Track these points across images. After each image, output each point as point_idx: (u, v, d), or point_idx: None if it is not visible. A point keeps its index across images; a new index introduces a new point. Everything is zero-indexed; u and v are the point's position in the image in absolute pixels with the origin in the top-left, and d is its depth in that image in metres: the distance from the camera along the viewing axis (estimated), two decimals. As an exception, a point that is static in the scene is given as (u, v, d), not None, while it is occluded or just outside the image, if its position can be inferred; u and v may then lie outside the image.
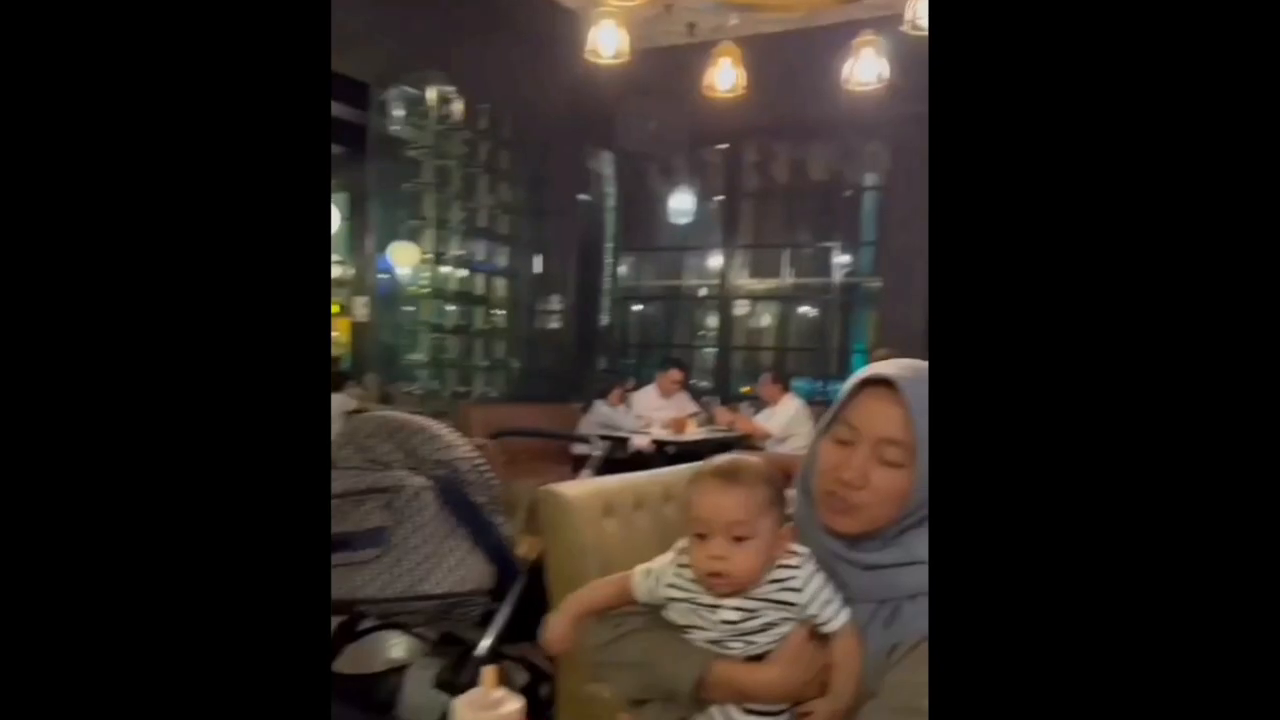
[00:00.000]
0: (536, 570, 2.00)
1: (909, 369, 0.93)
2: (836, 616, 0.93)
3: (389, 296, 5.50)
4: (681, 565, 0.99)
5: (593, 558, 1.78)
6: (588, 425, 4.89)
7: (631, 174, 6.56)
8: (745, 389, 5.97)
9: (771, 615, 0.95)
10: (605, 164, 6.43)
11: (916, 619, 0.90)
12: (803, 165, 6.25)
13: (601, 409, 4.98)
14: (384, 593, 1.78)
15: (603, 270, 6.50)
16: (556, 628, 0.99)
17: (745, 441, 4.91)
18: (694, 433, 4.88)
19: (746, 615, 0.94)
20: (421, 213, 5.34)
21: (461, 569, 1.86)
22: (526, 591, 2.01)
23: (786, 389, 5.06)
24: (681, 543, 1.00)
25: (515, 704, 0.68)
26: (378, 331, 6.89)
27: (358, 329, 6.59)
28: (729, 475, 0.93)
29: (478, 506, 1.90)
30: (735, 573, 0.92)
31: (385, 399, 6.04)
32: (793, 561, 0.95)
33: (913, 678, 0.81)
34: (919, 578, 0.88)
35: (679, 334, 7.01)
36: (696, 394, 5.69)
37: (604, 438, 4.83)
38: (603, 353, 6.51)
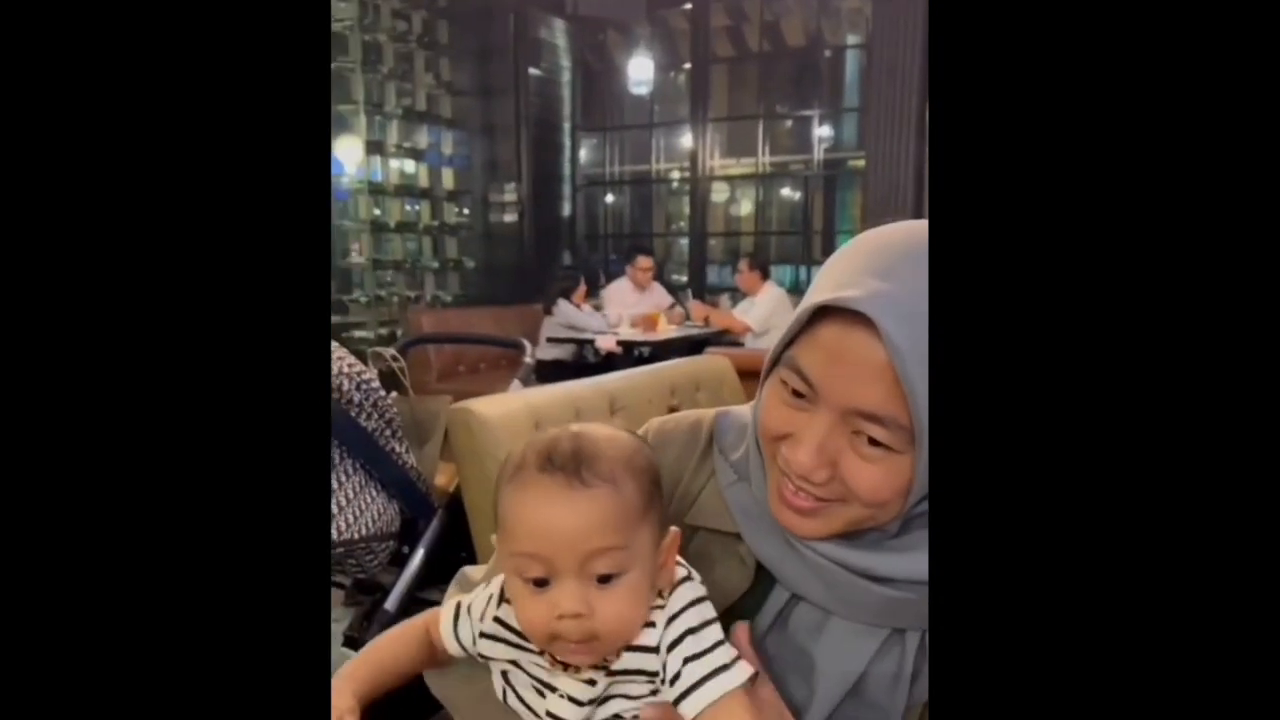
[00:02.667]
0: (458, 504, 1.64)
1: (904, 285, 0.52)
2: (700, 687, 0.55)
3: (348, 200, 4.95)
4: (507, 600, 0.60)
5: (520, 489, 1.40)
6: (552, 328, 4.49)
7: (587, 43, 5.89)
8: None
9: (628, 695, 0.58)
10: (557, 33, 5.73)
11: None
12: (776, 26, 5.64)
13: (566, 309, 4.54)
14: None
15: (561, 154, 5.88)
16: None
17: (723, 337, 4.53)
18: (666, 330, 4.47)
19: (592, 701, 0.57)
20: (351, 96, 4.72)
21: (350, 510, 1.47)
22: (447, 529, 1.64)
23: (766, 277, 4.62)
24: (501, 577, 0.62)
25: None
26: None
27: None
28: (573, 467, 0.54)
29: (368, 433, 1.49)
30: (604, 632, 0.54)
31: (337, 308, 5.60)
32: (660, 599, 0.57)
33: None
34: None
35: (650, 223, 6.50)
36: (670, 288, 5.26)
37: (570, 341, 4.52)
38: (566, 247, 5.99)
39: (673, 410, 1.78)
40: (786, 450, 0.57)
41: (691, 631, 0.56)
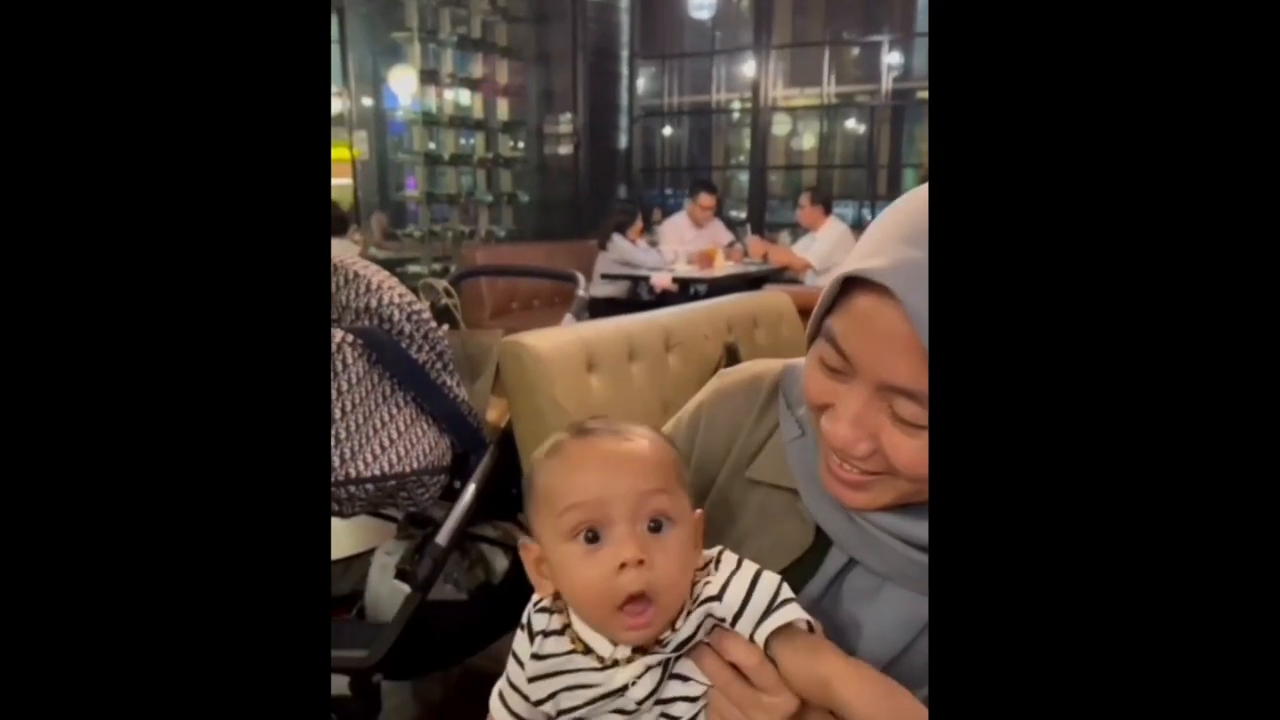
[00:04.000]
0: (509, 439, 1.63)
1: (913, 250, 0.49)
2: (776, 611, 0.53)
3: (403, 132, 4.90)
4: (540, 610, 0.58)
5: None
6: (606, 264, 4.42)
7: (647, -34, 5.65)
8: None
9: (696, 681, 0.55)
10: (616, -45, 5.51)
11: None
12: (849, -56, 5.33)
13: (621, 245, 4.46)
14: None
15: (618, 83, 5.71)
16: None
17: (782, 274, 4.40)
18: (723, 267, 4.36)
19: (656, 682, 0.54)
20: (406, 23, 4.64)
21: (401, 444, 1.46)
22: (498, 465, 1.62)
23: (828, 212, 4.46)
24: (534, 598, 0.59)
25: None
26: (381, 169, 6.37)
27: (359, 166, 6.08)
28: (611, 428, 0.57)
29: (419, 365, 1.46)
30: (660, 586, 0.52)
31: (391, 241, 5.62)
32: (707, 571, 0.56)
33: None
34: None
35: (709, 156, 6.32)
36: (729, 224, 5.13)
37: (624, 278, 4.46)
38: (622, 180, 5.86)
39: (729, 347, 1.72)
40: (826, 423, 0.55)
41: (760, 572, 0.55)
